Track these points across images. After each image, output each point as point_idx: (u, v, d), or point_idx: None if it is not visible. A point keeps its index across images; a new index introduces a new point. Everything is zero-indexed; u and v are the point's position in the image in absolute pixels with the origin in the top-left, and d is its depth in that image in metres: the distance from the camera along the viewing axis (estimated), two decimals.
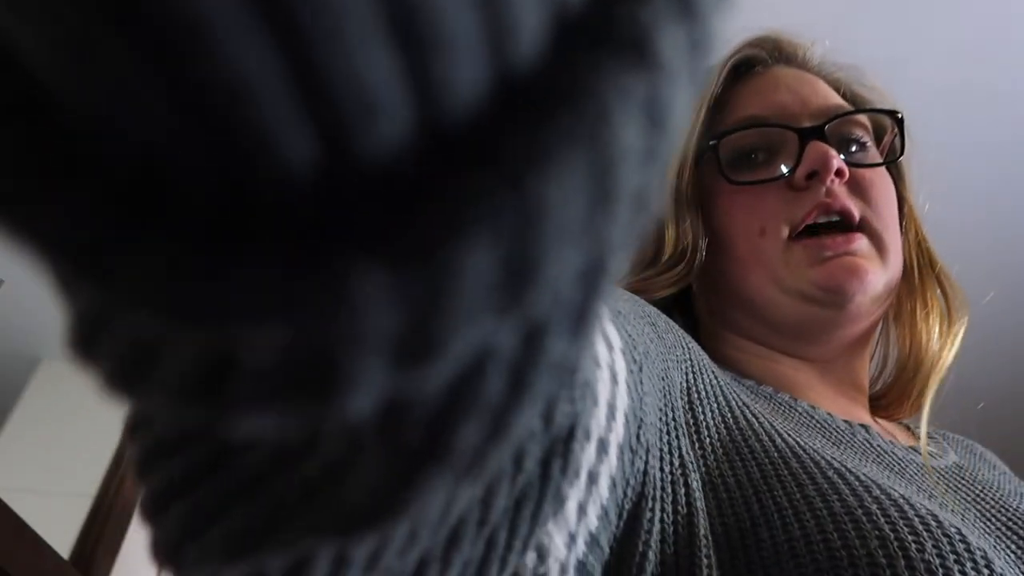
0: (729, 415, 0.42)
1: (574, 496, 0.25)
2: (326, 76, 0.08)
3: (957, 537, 0.32)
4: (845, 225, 0.52)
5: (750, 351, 0.56)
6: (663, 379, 0.37)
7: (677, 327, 0.46)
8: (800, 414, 0.49)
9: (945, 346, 0.58)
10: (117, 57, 0.08)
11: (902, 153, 0.58)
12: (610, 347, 0.27)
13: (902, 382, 0.59)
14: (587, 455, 0.25)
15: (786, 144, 0.54)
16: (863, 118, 0.58)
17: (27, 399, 2.09)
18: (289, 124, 0.08)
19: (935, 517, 0.33)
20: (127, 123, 0.08)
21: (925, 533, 0.32)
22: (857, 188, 0.54)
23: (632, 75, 0.10)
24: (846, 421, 0.50)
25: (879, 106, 0.60)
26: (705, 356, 0.47)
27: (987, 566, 0.31)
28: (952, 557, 0.31)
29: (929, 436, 0.58)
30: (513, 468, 0.17)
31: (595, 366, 0.24)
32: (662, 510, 0.32)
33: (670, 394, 0.38)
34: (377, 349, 0.09)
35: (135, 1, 0.07)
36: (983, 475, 0.55)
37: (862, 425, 0.50)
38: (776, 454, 0.38)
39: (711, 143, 0.56)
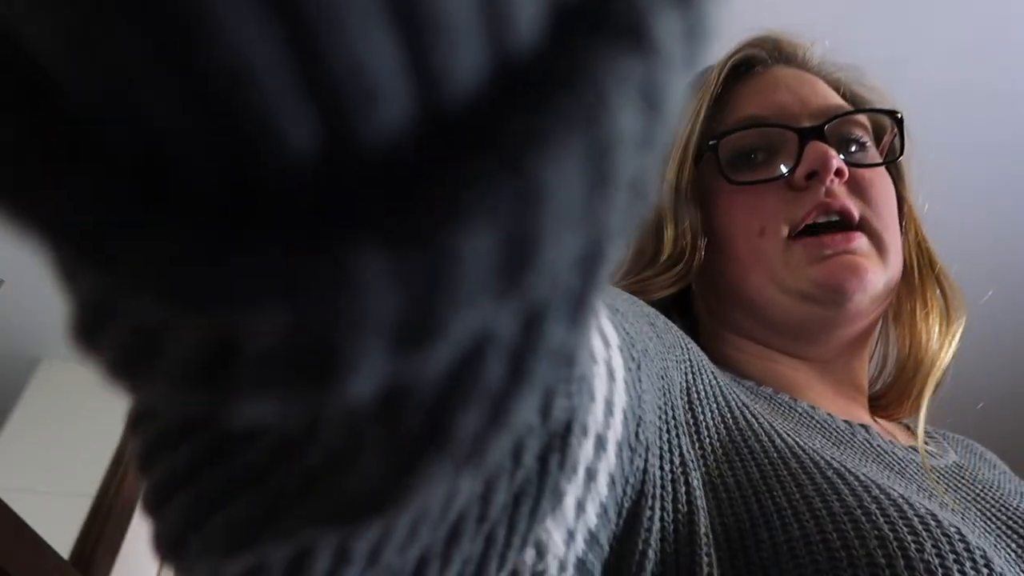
0: (729, 415, 0.41)
1: (572, 492, 0.25)
2: (328, 61, 0.08)
3: (956, 536, 0.32)
4: (845, 224, 0.52)
5: (750, 351, 0.56)
6: (662, 378, 0.37)
7: (676, 327, 0.46)
8: (800, 414, 0.49)
9: (944, 346, 0.58)
10: (119, 42, 0.08)
11: (902, 153, 0.58)
12: (607, 344, 0.27)
13: (902, 382, 0.59)
14: (584, 451, 0.25)
15: (786, 144, 0.54)
16: (863, 118, 0.58)
17: (27, 399, 2.09)
18: (291, 109, 0.08)
19: (934, 517, 0.33)
20: (130, 108, 0.08)
21: (924, 533, 0.32)
22: (857, 188, 0.54)
23: (629, 60, 0.10)
24: (846, 421, 0.50)
25: (879, 106, 0.60)
26: (704, 357, 0.47)
27: (986, 565, 0.31)
28: (951, 557, 0.31)
29: (929, 436, 0.58)
30: (512, 463, 0.17)
31: (592, 362, 0.24)
32: (662, 508, 0.32)
33: (669, 393, 0.38)
34: (377, 333, 0.09)
35: None
36: (983, 474, 0.55)
37: (862, 425, 0.50)
38: (776, 454, 0.38)
39: (711, 143, 0.56)
